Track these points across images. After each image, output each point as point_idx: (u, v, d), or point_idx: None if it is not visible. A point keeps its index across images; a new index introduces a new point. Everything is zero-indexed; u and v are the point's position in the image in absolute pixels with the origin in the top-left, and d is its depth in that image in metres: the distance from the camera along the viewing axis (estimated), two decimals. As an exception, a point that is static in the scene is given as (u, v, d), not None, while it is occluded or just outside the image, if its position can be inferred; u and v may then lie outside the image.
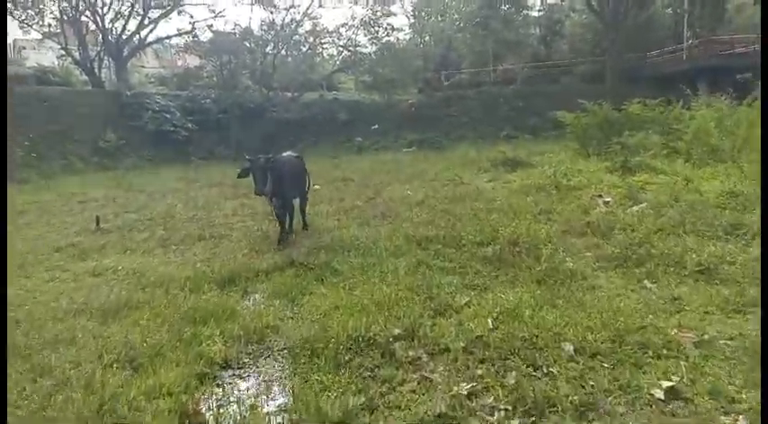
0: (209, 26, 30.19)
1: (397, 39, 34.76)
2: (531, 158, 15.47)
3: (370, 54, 32.09)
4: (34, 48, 36.85)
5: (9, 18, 29.03)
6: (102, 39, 28.73)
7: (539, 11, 36.64)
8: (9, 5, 27.91)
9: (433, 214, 9.28)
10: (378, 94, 31.40)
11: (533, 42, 35.68)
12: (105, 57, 30.16)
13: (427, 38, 38.61)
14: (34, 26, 29.57)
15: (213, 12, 31.52)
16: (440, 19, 37.48)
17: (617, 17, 27.38)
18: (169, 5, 29.75)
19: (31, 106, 23.62)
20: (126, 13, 29.22)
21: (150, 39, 31.27)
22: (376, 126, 29.02)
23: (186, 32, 30.50)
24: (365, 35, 31.70)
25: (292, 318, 5.11)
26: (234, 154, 25.90)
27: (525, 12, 34.86)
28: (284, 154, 8.55)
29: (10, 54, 34.49)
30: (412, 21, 38.32)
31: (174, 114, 26.87)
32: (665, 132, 14.11)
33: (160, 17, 29.92)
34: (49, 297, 5.92)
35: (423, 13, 37.73)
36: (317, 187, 14.07)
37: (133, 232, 9.39)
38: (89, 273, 6.84)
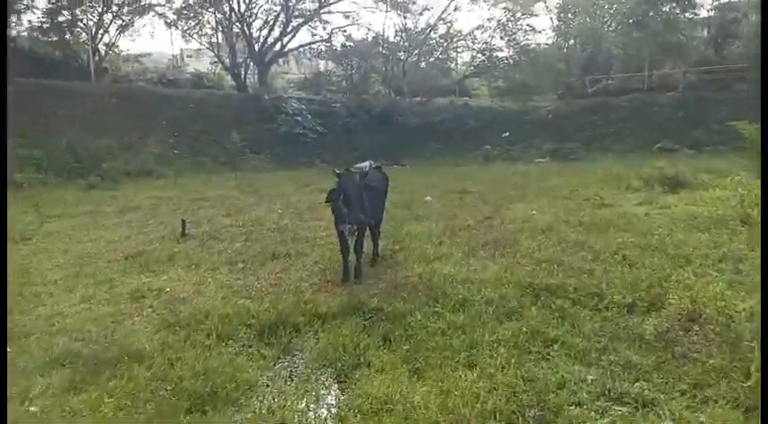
0: (344, 32, 29.72)
1: (538, 44, 31.68)
2: (698, 177, 12.11)
3: (506, 58, 29.45)
4: (191, 56, 39.51)
5: (173, 29, 31.20)
6: (248, 46, 29.47)
7: (708, 10, 31.21)
8: (173, 17, 29.85)
9: (561, 248, 6.91)
10: (512, 101, 28.68)
11: (699, 45, 30.46)
12: (250, 64, 31.00)
13: (572, 41, 34.83)
14: (194, 36, 31.31)
15: (348, 17, 30.36)
16: (588, 20, 33.54)
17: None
18: (309, 14, 29.76)
19: (181, 108, 24.69)
20: (271, 21, 29.75)
21: (291, 46, 31.61)
22: (507, 133, 26.38)
23: (324, 40, 30.33)
24: (502, 38, 29.12)
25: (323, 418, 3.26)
26: (358, 157, 24.95)
27: (691, 12, 29.79)
28: (363, 164, 6.71)
29: (175, 61, 37.19)
30: (556, 23, 34.82)
31: (305, 117, 26.62)
32: None
33: (300, 25, 30.07)
34: (57, 328, 4.69)
35: (569, 14, 34.05)
36: (428, 198, 12.26)
37: (214, 241, 8.22)
38: (131, 295, 5.60)
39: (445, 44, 29.92)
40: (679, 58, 29.57)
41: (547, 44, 33.01)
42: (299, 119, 26.42)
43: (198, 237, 8.43)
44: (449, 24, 29.93)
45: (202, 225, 9.53)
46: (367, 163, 6.42)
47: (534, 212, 10.00)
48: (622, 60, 30.89)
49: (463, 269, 6.13)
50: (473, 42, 29.90)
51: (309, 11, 29.99)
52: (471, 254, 6.91)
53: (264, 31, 30.17)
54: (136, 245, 7.94)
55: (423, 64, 30.00)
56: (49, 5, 26.45)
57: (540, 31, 31.66)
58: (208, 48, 31.76)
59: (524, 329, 4.20)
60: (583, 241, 7.15)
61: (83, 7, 27.07)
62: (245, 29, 29.66)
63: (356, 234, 6.00)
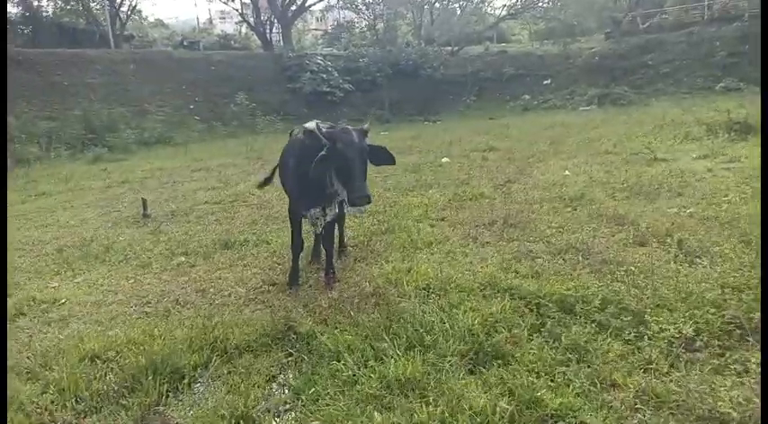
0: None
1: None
2: (774, 120, 9.65)
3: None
4: (224, 18, 37.96)
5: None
6: (269, 2, 27.54)
7: None
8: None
9: (591, 227, 5.05)
10: (554, 44, 25.72)
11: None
12: (275, 21, 29.15)
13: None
14: (217, -5, 29.65)
15: None
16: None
17: None
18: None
19: (203, 71, 23.34)
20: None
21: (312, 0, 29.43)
22: (548, 81, 23.67)
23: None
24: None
25: None
26: (387, 115, 23.15)
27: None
28: (311, 124, 4.87)
29: (205, 23, 35.70)
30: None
31: (331, 74, 24.75)
32: None
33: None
34: None
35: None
36: (445, 159, 10.44)
37: (174, 224, 6.81)
38: (17, 311, 4.23)
39: (478, -15, 26.97)
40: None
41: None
42: (324, 76, 24.60)
43: (158, 219, 7.04)
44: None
45: (177, 201, 8.16)
46: (311, 123, 4.61)
47: (567, 172, 8.06)
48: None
49: (451, 263, 4.43)
50: (508, -21, 26.80)
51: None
52: (470, 239, 5.18)
53: (287, -14, 28.16)
54: (83, 232, 6.63)
55: (455, 6, 27.20)
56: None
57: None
58: (233, 7, 30.12)
59: (508, 390, 2.52)
60: (622, 215, 5.25)
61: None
62: (267, -16, 27.72)
63: (325, 221, 4.34)
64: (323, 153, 3.70)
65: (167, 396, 2.89)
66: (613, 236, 4.73)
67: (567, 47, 25.21)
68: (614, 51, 23.85)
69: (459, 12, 28.71)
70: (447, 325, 3.18)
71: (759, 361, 2.48)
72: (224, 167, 11.91)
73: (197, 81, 22.48)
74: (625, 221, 5.03)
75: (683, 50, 22.08)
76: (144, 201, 7.31)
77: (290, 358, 3.18)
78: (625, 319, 3.09)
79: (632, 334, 2.91)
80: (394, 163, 4.08)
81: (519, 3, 28.30)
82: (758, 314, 2.89)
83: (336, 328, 3.45)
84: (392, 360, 2.87)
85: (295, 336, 3.40)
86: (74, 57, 20.64)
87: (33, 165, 13.85)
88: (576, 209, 5.80)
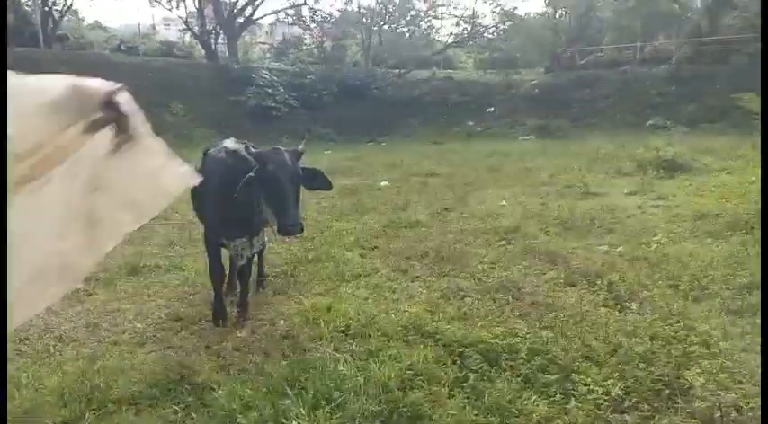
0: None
1: (527, 12, 29.24)
2: (699, 159, 10.07)
3: (491, 27, 27.01)
4: (168, 25, 36.69)
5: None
6: (215, 12, 26.79)
7: (704, -23, 28.68)
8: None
9: (524, 265, 4.88)
10: (498, 74, 26.39)
11: (693, 15, 28.03)
12: (221, 32, 28.34)
13: (562, 10, 32.25)
14: (162, 2, 28.48)
15: None
16: (579, -12, 30.93)
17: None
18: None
19: (141, 77, 22.19)
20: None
21: (262, 12, 28.91)
22: (492, 109, 24.16)
23: (297, 6, 27.61)
24: (487, 3, 26.56)
25: None
26: (331, 134, 22.82)
27: (687, -21, 27.33)
28: (228, 142, 4.44)
29: (147, 29, 34.32)
30: (546, -9, 32.17)
31: (276, 89, 24.17)
32: None
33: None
34: None
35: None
36: (384, 183, 10.19)
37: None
38: None
39: (425, 11, 27.34)
40: (672, 29, 27.29)
41: (536, 13, 30.57)
42: (269, 90, 23.99)
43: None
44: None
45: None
46: (230, 141, 4.20)
47: (504, 202, 7.98)
48: (614, 31, 28.55)
49: (376, 300, 4.12)
50: (455, 8, 27.36)
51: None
52: (402, 270, 4.90)
53: (234, -4, 27.51)
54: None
55: (404, 31, 27.43)
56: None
57: (527, -1, 29.22)
58: (177, 14, 29.07)
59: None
60: (554, 251, 5.13)
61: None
62: (213, -7, 26.97)
63: (251, 252, 3.91)
64: (251, 175, 3.32)
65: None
66: (544, 274, 4.58)
67: (509, 77, 25.91)
68: (553, 85, 24.72)
69: (407, 35, 29.00)
70: (361, 379, 2.83)
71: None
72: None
73: (133, 87, 21.03)
74: (557, 258, 4.91)
75: (617, 88, 23.16)
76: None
77: (177, 416, 2.74)
78: (552, 373, 2.87)
79: (559, 393, 2.67)
80: (330, 188, 3.76)
81: (465, 32, 28.94)
82: (688, 372, 2.73)
83: (239, 376, 3.05)
84: (294, 422, 2.49)
85: (189, 387, 2.95)
86: None
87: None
88: (510, 243, 5.65)
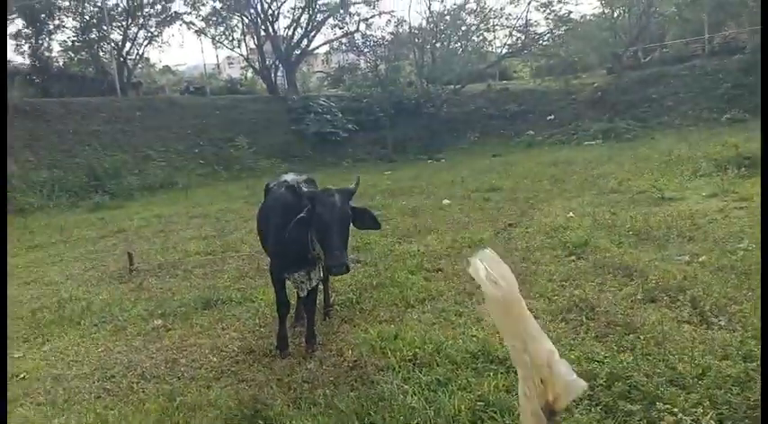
0: (366, 22, 27.74)
1: (582, 15, 28.41)
2: (786, 154, 9.25)
3: (545, 33, 26.42)
4: (233, 63, 38.70)
5: (203, 37, 29.93)
6: (273, 47, 27.97)
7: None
8: (202, 24, 28.59)
9: (599, 278, 4.65)
10: (555, 80, 25.71)
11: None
12: (279, 65, 29.53)
13: (620, 10, 31.13)
14: (224, 42, 30.08)
15: (370, 4, 28.42)
16: (637, -16, 29.74)
17: None
18: (333, 6, 27.92)
19: (208, 115, 23.49)
20: (296, 18, 28.12)
21: (317, 43, 29.88)
22: (552, 116, 23.53)
23: (350, 33, 28.33)
24: (539, 10, 26.05)
25: None
26: (390, 154, 23.05)
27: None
28: (288, 177, 4.55)
29: (213, 69, 36.31)
30: (601, -9, 31.17)
31: (335, 115, 24.78)
32: None
33: (325, 19, 28.27)
34: None
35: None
36: (446, 202, 10.12)
37: (158, 279, 6.49)
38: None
39: (477, 23, 27.18)
40: (743, 17, 25.53)
41: (593, 15, 29.62)
42: (328, 117, 24.63)
43: (143, 274, 6.74)
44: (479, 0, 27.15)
45: (167, 253, 7.88)
46: (290, 176, 4.34)
47: (571, 214, 7.69)
48: (678, 24, 27.17)
49: (443, 325, 4.05)
50: (507, 19, 27.00)
51: (333, 2, 28.15)
52: (468, 293, 4.81)
53: (290, 30, 28.62)
54: (64, 291, 6.31)
55: (457, 46, 27.37)
56: (79, 23, 25.99)
57: (582, 2, 28.33)
58: (239, 53, 30.60)
59: None
60: (629, 264, 4.86)
61: (112, 24, 26.47)
62: (271, 28, 28.18)
63: (310, 285, 4.01)
64: (302, 215, 3.44)
65: None
66: (620, 291, 4.34)
67: (568, 83, 25.17)
68: (616, 86, 23.75)
69: (460, 51, 28.91)
70: (431, 412, 2.78)
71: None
72: (223, 213, 11.71)
73: (202, 125, 22.59)
74: (633, 272, 4.64)
75: (686, 83, 21.91)
76: (130, 255, 7.02)
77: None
78: (635, 401, 2.68)
79: (644, 422, 2.49)
80: (379, 228, 3.83)
81: (519, 41, 28.48)
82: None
83: (309, 410, 3.07)
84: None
85: (262, 422, 3.01)
86: (81, 106, 20.87)
87: (32, 215, 13.72)
88: (579, 258, 5.41)
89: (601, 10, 30.88)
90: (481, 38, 27.97)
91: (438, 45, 27.84)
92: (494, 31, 28.01)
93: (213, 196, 14.99)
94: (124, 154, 18.75)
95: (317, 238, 3.47)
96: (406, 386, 3.15)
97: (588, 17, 29.47)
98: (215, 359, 3.99)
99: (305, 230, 3.49)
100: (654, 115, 20.82)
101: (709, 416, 2.45)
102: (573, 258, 5.44)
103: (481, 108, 25.35)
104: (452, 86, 25.85)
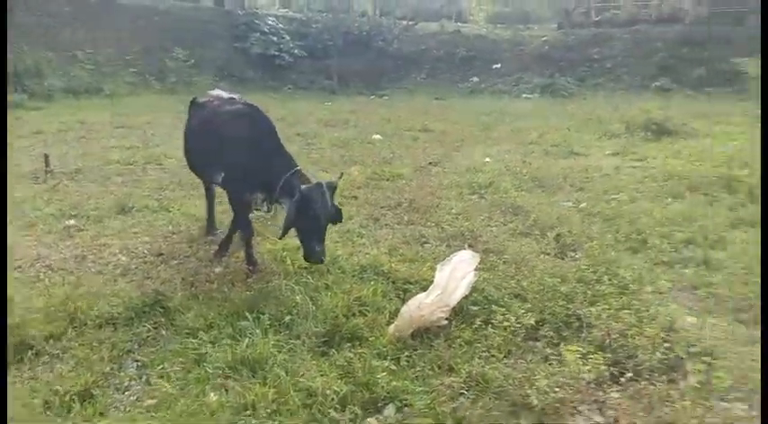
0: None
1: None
2: (690, 123, 10.17)
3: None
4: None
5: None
6: (221, -47, 26.19)
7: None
8: None
9: (487, 215, 5.23)
10: (507, 29, 25.89)
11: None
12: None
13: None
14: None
15: None
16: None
17: None
18: None
19: (145, 20, 22.05)
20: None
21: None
22: (498, 65, 23.87)
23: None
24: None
25: None
26: (334, 86, 22.79)
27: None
28: (214, 93, 4.75)
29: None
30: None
31: (282, 37, 23.91)
32: None
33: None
34: None
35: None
36: (376, 136, 10.43)
37: (75, 183, 6.53)
38: None
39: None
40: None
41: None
42: (274, 39, 23.75)
43: (60, 177, 6.73)
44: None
45: (87, 159, 7.81)
46: (216, 91, 4.49)
47: (488, 159, 8.24)
48: (632, -13, 27.71)
49: (345, 244, 4.49)
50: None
51: None
52: (374, 218, 5.27)
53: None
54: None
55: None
56: None
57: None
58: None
59: (349, 372, 2.61)
60: (520, 205, 5.45)
61: None
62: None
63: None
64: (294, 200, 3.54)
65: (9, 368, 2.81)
66: (504, 226, 4.92)
67: (519, 33, 25.45)
68: (564, 42, 24.29)
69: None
70: (312, 306, 3.24)
71: (576, 352, 2.67)
72: (150, 126, 11.48)
73: (137, 30, 21.23)
74: (519, 212, 5.23)
75: (627, 47, 22.74)
76: (46, 157, 6.95)
77: (149, 334, 3.16)
78: (479, 304, 3.25)
79: (479, 322, 3.06)
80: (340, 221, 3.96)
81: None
82: (594, 309, 3.11)
83: (208, 303, 3.46)
84: (246, 339, 2.90)
85: (162, 310, 3.37)
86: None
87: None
88: (481, 197, 5.97)
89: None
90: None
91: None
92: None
93: (142, 107, 14.51)
94: (48, 52, 17.53)
95: (298, 228, 3.64)
96: (297, 287, 3.58)
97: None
98: (124, 259, 4.26)
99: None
100: (592, 75, 21.63)
101: (530, 317, 3.04)
102: (475, 196, 5.99)
103: (431, 49, 25.25)
104: (406, 22, 25.51)
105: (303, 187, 3.57)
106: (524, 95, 20.27)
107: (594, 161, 7.85)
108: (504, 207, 5.44)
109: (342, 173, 4.06)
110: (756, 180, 5.49)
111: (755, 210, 4.93)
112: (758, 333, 3.12)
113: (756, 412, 2.31)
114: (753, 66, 11.03)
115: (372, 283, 3.64)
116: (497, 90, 21.56)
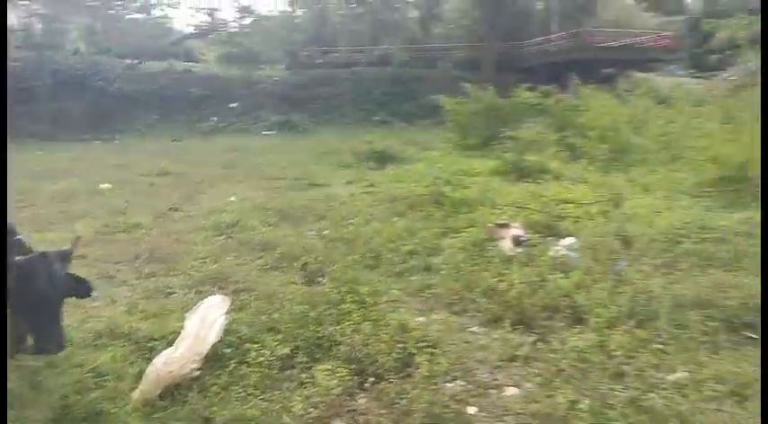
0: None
1: (269, 11, 29.76)
2: (406, 151, 11.85)
3: (230, 21, 26.81)
4: None
5: None
6: None
7: (416, -9, 33.34)
8: None
9: (238, 253, 5.21)
10: (239, 69, 26.33)
11: (411, 25, 32.45)
12: None
13: (301, 12, 33.77)
14: None
15: None
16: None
17: (496, 3, 24.85)
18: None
19: None
20: None
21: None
22: (235, 104, 24.07)
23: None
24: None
25: None
26: (48, 131, 19.81)
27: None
28: None
29: None
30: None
31: (-34, 78, 19.70)
32: (559, 125, 11.14)
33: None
34: None
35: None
36: (105, 186, 9.44)
37: None
38: None
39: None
40: (394, 35, 31.04)
41: (280, 11, 31.39)
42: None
43: None
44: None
45: None
46: None
47: (233, 198, 8.19)
48: (347, 35, 31.13)
49: (73, 312, 3.92)
50: None
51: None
52: (108, 277, 4.73)
53: None
54: None
55: (135, 17, 25.22)
56: None
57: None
58: None
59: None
60: (268, 240, 5.56)
61: None
62: None
63: None
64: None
65: None
66: (253, 262, 4.96)
67: (251, 73, 26.13)
68: (294, 82, 25.84)
69: (139, 23, 26.76)
70: (32, 392, 2.74)
71: (326, 370, 2.87)
72: None
73: None
74: (267, 247, 5.34)
75: (350, 86, 25.42)
76: None
77: None
78: (237, 348, 3.22)
79: (233, 363, 3.03)
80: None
81: (205, 24, 28.08)
82: (340, 327, 3.38)
83: None
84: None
85: None
86: None
87: None
88: (229, 237, 5.89)
89: (286, 8, 32.93)
90: (164, 13, 26.54)
91: (112, 12, 25.18)
92: (177, 8, 26.90)
93: None
94: None
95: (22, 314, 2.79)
96: (11, 374, 2.98)
97: (275, 12, 31.07)
98: None
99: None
100: (323, 111, 23.51)
101: (284, 347, 3.14)
102: (222, 237, 5.89)
103: (162, 88, 24.06)
104: (129, 61, 23.78)
105: (18, 259, 2.77)
106: (263, 132, 20.84)
107: (333, 190, 8.50)
108: (252, 245, 5.47)
109: (78, 237, 3.42)
110: (451, 194, 6.73)
111: (457, 220, 6.01)
112: (468, 321, 3.81)
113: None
114: (447, 102, 13.43)
115: (110, 349, 3.27)
116: (237, 128, 21.69)
